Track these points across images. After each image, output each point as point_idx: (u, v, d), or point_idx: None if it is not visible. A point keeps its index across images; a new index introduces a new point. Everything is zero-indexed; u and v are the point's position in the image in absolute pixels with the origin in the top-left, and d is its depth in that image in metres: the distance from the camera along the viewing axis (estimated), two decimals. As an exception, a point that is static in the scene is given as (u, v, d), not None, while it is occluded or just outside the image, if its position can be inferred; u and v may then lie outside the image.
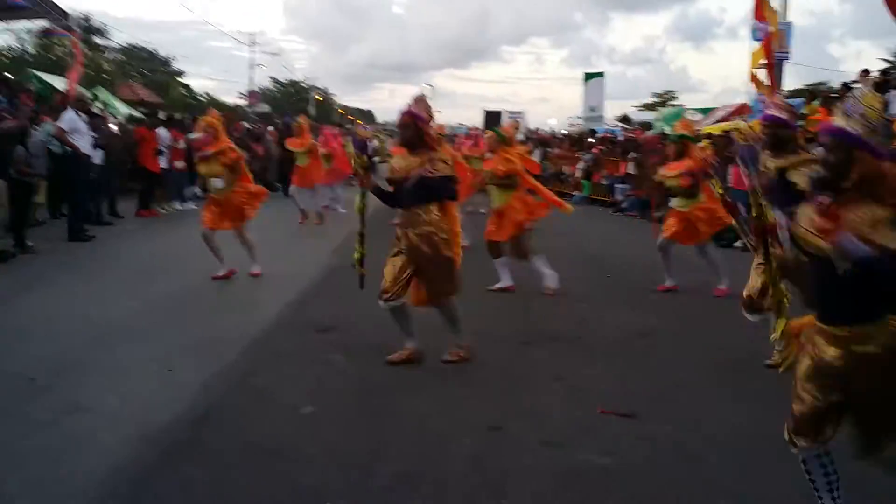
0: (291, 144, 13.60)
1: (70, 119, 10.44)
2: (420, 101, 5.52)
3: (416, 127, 5.40)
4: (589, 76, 26.69)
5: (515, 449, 4.07)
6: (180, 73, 54.50)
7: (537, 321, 6.84)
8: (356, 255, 5.64)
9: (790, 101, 17.57)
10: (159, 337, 5.93)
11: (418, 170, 5.28)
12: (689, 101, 55.64)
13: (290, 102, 59.99)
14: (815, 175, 2.87)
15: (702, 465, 3.95)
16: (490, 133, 8.18)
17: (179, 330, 6.17)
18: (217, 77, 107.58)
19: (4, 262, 8.54)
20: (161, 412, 4.39)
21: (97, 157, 11.68)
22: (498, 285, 8.10)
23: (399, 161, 5.53)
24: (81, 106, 11.17)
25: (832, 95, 13.81)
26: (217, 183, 8.00)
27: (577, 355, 5.86)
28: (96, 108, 17.92)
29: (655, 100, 53.84)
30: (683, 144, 7.76)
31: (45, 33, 21.50)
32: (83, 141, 10.56)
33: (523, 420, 4.47)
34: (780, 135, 5.01)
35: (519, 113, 48.29)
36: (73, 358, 5.33)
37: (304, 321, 6.48)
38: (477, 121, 37.43)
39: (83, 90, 19.07)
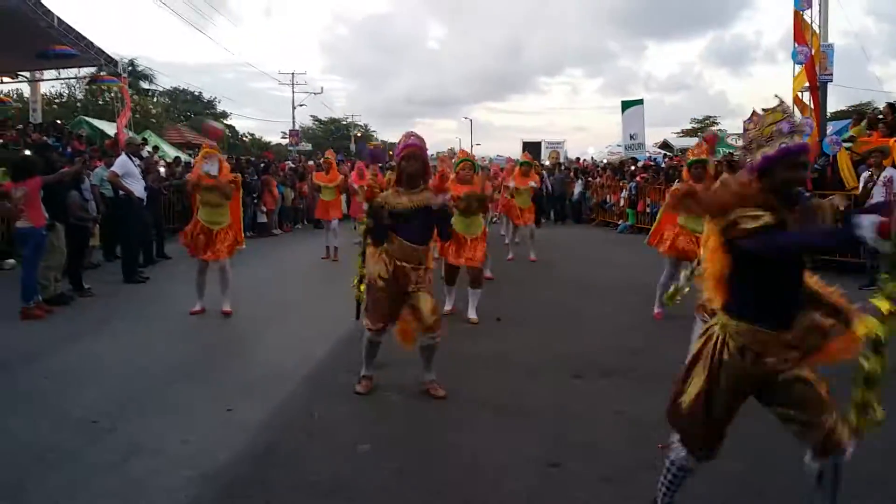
0: (319, 179, 13.79)
1: (123, 163, 10.70)
2: (417, 135, 5.52)
3: (423, 160, 5.48)
4: (627, 104, 26.53)
5: (575, 485, 4.03)
6: (225, 115, 55.74)
7: (588, 353, 6.78)
8: (356, 278, 5.73)
9: (836, 122, 17.40)
10: (217, 377, 6.03)
11: (438, 201, 5.36)
12: (728, 126, 54.99)
13: (332, 140, 60.84)
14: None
15: (766, 498, 3.87)
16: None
17: (236, 369, 6.27)
18: (259, 117, 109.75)
19: (64, 304, 8.74)
20: (221, 451, 4.45)
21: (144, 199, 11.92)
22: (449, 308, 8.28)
23: (399, 197, 5.37)
24: (134, 150, 11.44)
25: (879, 116, 13.59)
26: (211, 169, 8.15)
27: (634, 388, 5.80)
28: (146, 151, 18.40)
29: (696, 125, 53.60)
30: (702, 168, 7.64)
31: (93, 80, 22.10)
32: (136, 185, 10.81)
33: (581, 455, 4.43)
34: None
35: (559, 143, 48.40)
36: (134, 400, 5.42)
37: (356, 359, 6.47)
38: (516, 152, 37.45)
39: (133, 134, 19.67)
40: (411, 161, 5.39)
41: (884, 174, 10.29)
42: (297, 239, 18.05)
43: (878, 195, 10.28)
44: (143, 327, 7.86)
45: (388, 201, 5.35)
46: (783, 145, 2.93)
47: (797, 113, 13.79)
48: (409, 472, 4.21)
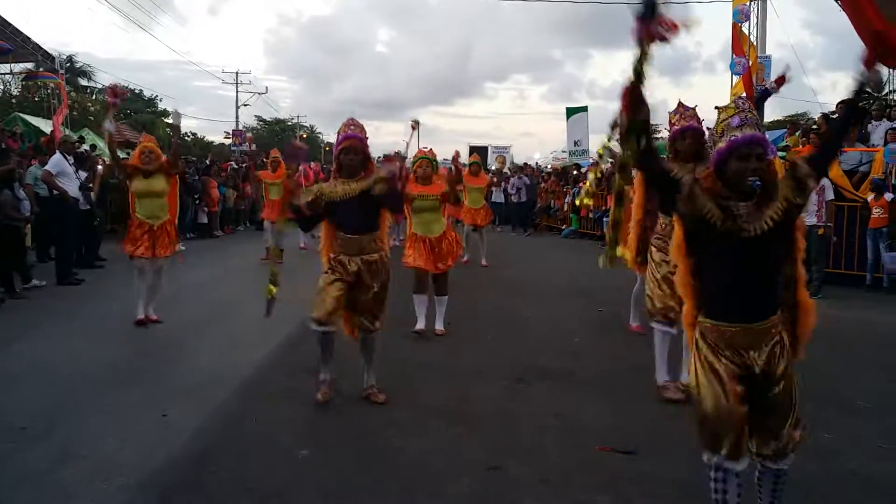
0: (265, 176, 13.59)
1: (57, 162, 10.43)
2: (357, 123, 5.45)
3: (363, 152, 5.40)
4: (572, 111, 26.77)
5: (515, 488, 4.04)
6: (167, 114, 54.71)
7: (531, 357, 6.81)
8: (271, 276, 5.59)
9: (772, 132, 17.84)
10: (152, 381, 5.89)
11: (384, 173, 5.27)
12: (671, 133, 55.85)
13: (277, 140, 60.21)
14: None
15: (702, 502, 3.93)
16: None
17: (173, 373, 6.14)
18: (202, 116, 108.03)
19: (-7, 307, 8.48)
20: (157, 457, 4.35)
21: (83, 200, 11.62)
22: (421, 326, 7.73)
23: (334, 186, 5.33)
24: (68, 148, 11.15)
25: (813, 127, 14.00)
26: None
27: (573, 391, 5.85)
28: (83, 149, 17.94)
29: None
30: None
31: (29, 76, 21.50)
32: (71, 184, 10.54)
33: (522, 459, 4.44)
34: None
35: (505, 147, 48.61)
36: (66, 404, 5.27)
37: (295, 362, 6.43)
38: (463, 156, 37.52)
39: (69, 132, 19.16)
40: (350, 154, 5.33)
41: (817, 183, 10.61)
42: (239, 240, 17.82)
43: (810, 202, 10.53)
44: (77, 330, 7.66)
45: (323, 191, 5.31)
46: (732, 138, 3.00)
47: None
48: (349, 477, 4.17)
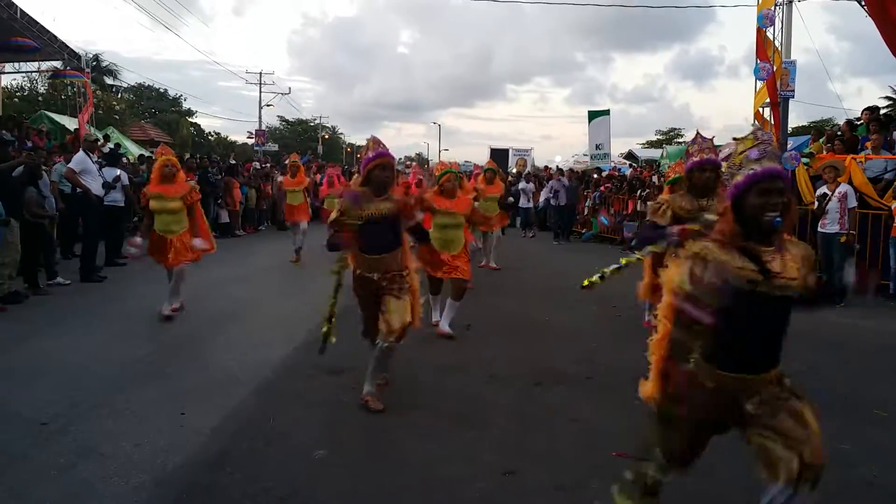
0: (288, 185, 13.56)
1: (80, 160, 10.54)
2: (383, 143, 5.45)
3: (393, 169, 5.48)
4: (594, 114, 26.71)
5: (529, 493, 4.05)
6: (191, 113, 55.18)
7: (548, 361, 6.80)
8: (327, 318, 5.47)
9: (796, 138, 17.70)
10: (172, 379, 5.95)
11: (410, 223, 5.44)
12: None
13: (299, 141, 60.52)
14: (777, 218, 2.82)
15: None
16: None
17: (192, 372, 6.19)
18: (226, 116, 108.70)
19: (18, 303, 8.58)
20: (174, 456, 4.39)
21: (119, 198, 11.79)
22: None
23: (360, 205, 5.26)
24: (92, 146, 11.26)
25: (837, 134, 13.86)
26: None
27: (590, 396, 5.84)
28: (108, 147, 18.13)
29: (660, 137, 54.25)
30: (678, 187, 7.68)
31: (55, 74, 21.73)
32: (94, 182, 10.64)
33: (537, 463, 4.44)
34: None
35: (526, 150, 48.57)
36: (86, 401, 5.33)
37: (315, 363, 6.42)
38: (483, 158, 37.57)
39: (94, 130, 19.37)
40: (386, 170, 5.35)
41: (838, 189, 10.50)
42: (260, 240, 17.92)
43: (832, 210, 10.47)
44: (98, 327, 7.74)
45: (350, 214, 5.25)
46: (751, 171, 2.84)
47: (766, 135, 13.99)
48: (365, 479, 4.19)
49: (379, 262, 5.32)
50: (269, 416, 5.15)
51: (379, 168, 5.31)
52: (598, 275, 4.04)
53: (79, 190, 10.55)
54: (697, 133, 5.73)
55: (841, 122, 17.72)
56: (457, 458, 4.51)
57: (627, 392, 5.77)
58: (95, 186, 10.68)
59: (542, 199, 21.03)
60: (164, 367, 6.29)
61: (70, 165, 10.62)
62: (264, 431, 4.87)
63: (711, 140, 5.67)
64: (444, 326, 7.75)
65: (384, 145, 5.45)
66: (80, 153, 10.71)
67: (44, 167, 10.97)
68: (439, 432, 4.93)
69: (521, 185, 21.80)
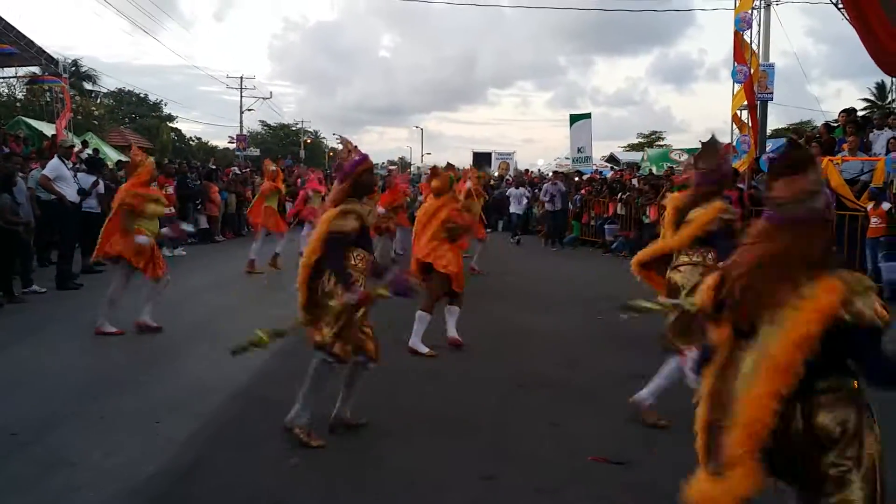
0: (265, 190, 13.23)
1: (55, 167, 10.43)
2: (349, 141, 5.26)
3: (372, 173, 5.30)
4: (575, 117, 26.81)
5: (509, 497, 4.03)
6: (171, 118, 54.87)
7: (530, 365, 6.78)
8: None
9: (775, 140, 17.81)
10: (147, 388, 5.86)
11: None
12: (674, 141, 56.16)
13: (281, 146, 60.29)
14: None
15: None
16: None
17: (167, 380, 6.11)
18: (207, 121, 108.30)
19: (-9, 311, 8.47)
20: (146, 465, 4.32)
21: (95, 205, 11.67)
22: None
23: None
24: (66, 152, 11.14)
25: (815, 136, 13.96)
26: None
27: (570, 400, 5.82)
28: (86, 153, 17.98)
29: (642, 140, 54.52)
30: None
31: (33, 80, 21.54)
32: (68, 188, 10.53)
33: (517, 468, 4.42)
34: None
35: (509, 154, 48.71)
36: (59, 411, 5.23)
37: (292, 370, 6.34)
38: (466, 162, 37.61)
39: (72, 136, 19.20)
40: (372, 173, 5.26)
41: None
42: (240, 246, 17.75)
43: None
44: (74, 335, 7.63)
45: (363, 215, 4.94)
46: None
47: (735, 130, 14.12)
48: (340, 487, 4.14)
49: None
50: (244, 425, 5.09)
51: (367, 172, 5.12)
52: (643, 305, 3.73)
53: (53, 197, 10.42)
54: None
55: (819, 124, 17.86)
56: (435, 464, 4.47)
57: (607, 397, 5.81)
58: (70, 193, 10.55)
59: (546, 204, 20.04)
60: (139, 375, 6.20)
61: (44, 172, 10.51)
62: (239, 440, 4.81)
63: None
64: (452, 333, 7.49)
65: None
66: (55, 159, 10.59)
67: (20, 174, 10.84)
68: (418, 438, 4.89)
69: (511, 190, 21.70)
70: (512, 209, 21.01)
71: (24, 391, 5.70)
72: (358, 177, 4.99)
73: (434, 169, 8.86)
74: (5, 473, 4.19)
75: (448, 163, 8.81)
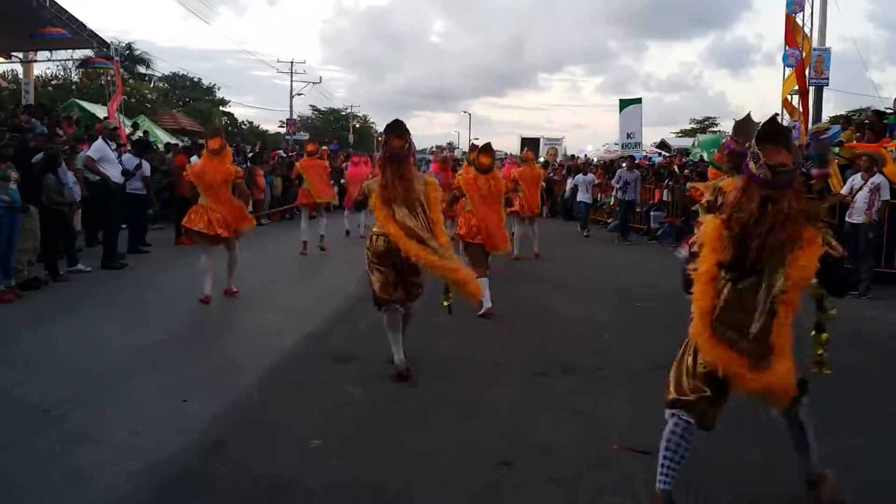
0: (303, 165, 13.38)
1: (99, 148, 10.63)
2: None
3: None
4: (625, 102, 26.34)
5: (521, 486, 3.98)
6: (224, 102, 55.54)
7: (558, 351, 6.71)
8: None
9: (832, 126, 17.30)
10: (178, 367, 5.96)
11: None
12: (728, 127, 54.83)
13: (331, 130, 60.70)
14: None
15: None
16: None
17: (199, 359, 6.20)
18: (259, 105, 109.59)
19: (36, 289, 8.67)
20: (170, 444, 4.38)
21: (140, 186, 12.06)
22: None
23: None
24: (110, 134, 11.33)
25: (866, 122, 13.53)
26: None
27: (598, 388, 5.74)
28: (137, 135, 18.29)
29: (695, 126, 53.46)
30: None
31: (85, 63, 21.95)
32: (113, 169, 10.73)
33: (534, 456, 4.37)
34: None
35: (557, 140, 48.30)
36: (91, 388, 5.36)
37: (323, 351, 6.46)
38: (514, 147, 37.45)
39: (123, 118, 19.54)
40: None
41: (872, 180, 10.19)
42: (284, 228, 17.94)
43: (860, 200, 10.19)
44: (113, 314, 7.79)
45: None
46: None
47: (786, 116, 13.74)
48: (357, 469, 4.14)
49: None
50: (270, 405, 5.14)
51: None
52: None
53: (98, 178, 10.63)
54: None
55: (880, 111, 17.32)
56: (454, 449, 4.46)
57: (636, 385, 5.71)
58: (115, 174, 10.77)
59: (618, 192, 18.69)
60: (171, 354, 6.31)
61: (88, 153, 10.72)
62: (263, 420, 4.86)
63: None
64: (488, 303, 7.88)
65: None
66: (99, 141, 10.81)
67: (63, 154, 11.05)
68: (439, 423, 4.88)
69: (579, 177, 20.16)
70: (580, 197, 19.19)
71: (59, 368, 5.84)
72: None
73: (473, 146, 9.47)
74: (32, 448, 4.29)
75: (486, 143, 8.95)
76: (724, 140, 6.22)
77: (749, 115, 5.78)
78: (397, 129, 5.68)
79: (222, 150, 8.39)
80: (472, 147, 8.78)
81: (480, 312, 7.78)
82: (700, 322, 3.45)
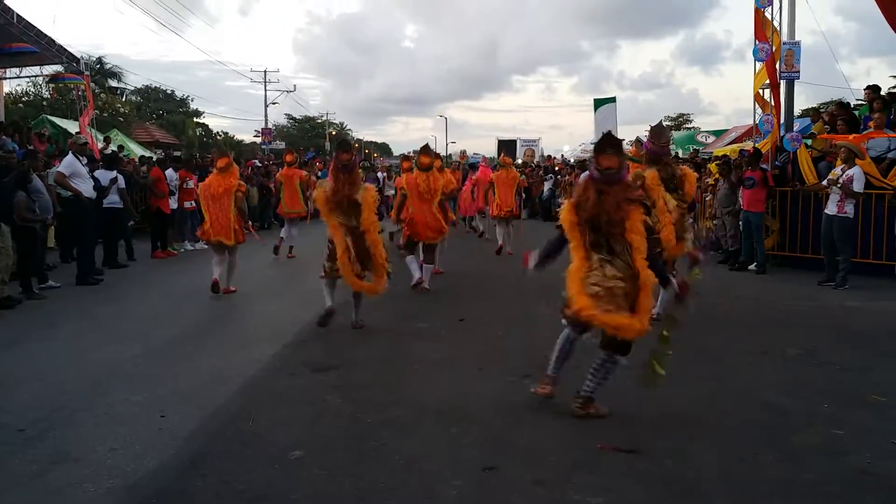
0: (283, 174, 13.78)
1: (69, 163, 10.52)
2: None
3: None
4: (600, 102, 26.57)
5: (507, 489, 3.94)
6: (198, 113, 55.27)
7: (541, 354, 6.66)
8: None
9: (803, 119, 17.42)
10: (156, 382, 5.86)
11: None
12: (702, 123, 55.33)
13: (307, 138, 60.52)
14: None
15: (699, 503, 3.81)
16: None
17: (177, 373, 6.09)
18: (233, 116, 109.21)
19: (11, 308, 8.54)
20: (149, 460, 4.31)
21: (117, 200, 12.00)
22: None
23: None
24: (81, 149, 11.20)
25: (834, 114, 13.66)
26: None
27: (579, 388, 5.69)
28: (110, 149, 18.10)
29: (670, 123, 53.80)
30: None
31: (54, 78, 21.71)
32: (84, 184, 10.61)
33: (519, 458, 4.34)
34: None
35: (534, 141, 48.48)
36: (68, 406, 5.26)
37: (302, 361, 6.40)
38: (491, 150, 37.52)
39: (95, 132, 19.33)
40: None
41: (847, 171, 10.28)
42: (262, 237, 17.81)
43: (835, 191, 10.27)
44: (89, 330, 7.69)
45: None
46: None
47: (758, 110, 13.81)
48: (340, 478, 4.09)
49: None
50: (249, 417, 5.06)
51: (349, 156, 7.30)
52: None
53: (69, 193, 10.51)
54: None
55: (850, 102, 17.49)
56: (438, 454, 4.41)
57: (619, 386, 5.68)
58: (86, 189, 10.65)
59: (545, 189, 20.01)
60: (149, 369, 6.22)
61: (59, 169, 10.61)
62: (243, 433, 4.78)
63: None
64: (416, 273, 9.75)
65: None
66: (70, 156, 10.69)
67: (42, 171, 10.91)
68: (422, 428, 4.84)
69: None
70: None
71: (34, 387, 5.73)
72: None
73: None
74: (8, 469, 4.20)
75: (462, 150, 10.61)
76: (644, 141, 8.35)
77: (661, 122, 8.45)
78: (346, 145, 7.64)
79: (229, 167, 9.68)
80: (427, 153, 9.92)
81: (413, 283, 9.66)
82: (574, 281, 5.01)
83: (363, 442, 4.61)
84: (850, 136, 11.75)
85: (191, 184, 14.69)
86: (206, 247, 15.08)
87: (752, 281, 11.22)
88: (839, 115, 13.19)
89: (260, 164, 23.24)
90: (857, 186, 10.16)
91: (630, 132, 63.21)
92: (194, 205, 14.35)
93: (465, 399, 5.42)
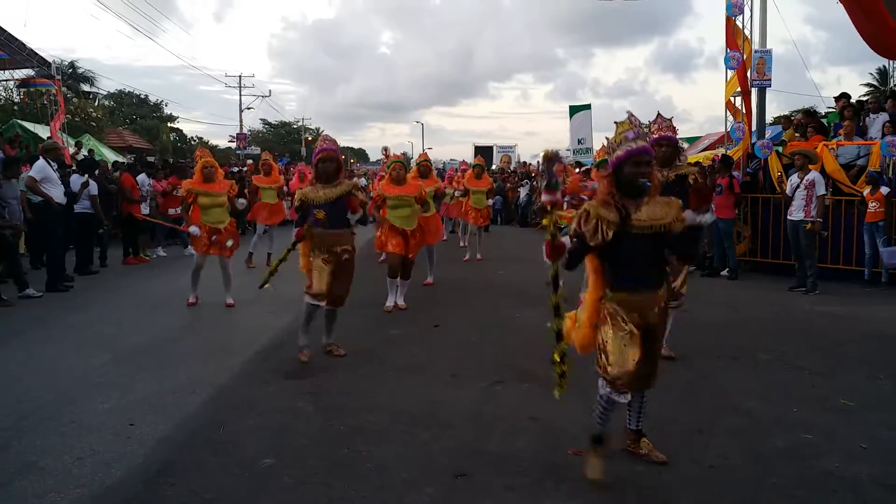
0: (259, 181, 13.30)
1: (41, 168, 10.39)
2: (331, 139, 6.53)
3: (338, 161, 6.48)
4: (575, 109, 26.67)
5: (478, 496, 3.93)
6: (172, 118, 54.83)
7: (513, 359, 6.69)
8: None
9: (774, 127, 17.64)
10: (125, 389, 5.79)
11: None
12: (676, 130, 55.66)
13: (283, 144, 60.20)
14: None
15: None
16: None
17: (146, 381, 6.02)
18: (208, 121, 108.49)
19: (-23, 315, 8.42)
20: (116, 469, 4.26)
21: (88, 206, 11.88)
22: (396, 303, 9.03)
23: (317, 192, 6.37)
24: (53, 154, 11.06)
25: (802, 122, 13.85)
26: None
27: (552, 394, 5.70)
28: (82, 154, 17.93)
29: (645, 130, 54.16)
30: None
31: (25, 83, 21.46)
32: (55, 189, 10.48)
33: (491, 464, 4.33)
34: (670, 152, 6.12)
35: (510, 147, 48.64)
36: (34, 415, 5.18)
37: (274, 368, 6.35)
38: (468, 155, 37.58)
39: (66, 137, 19.12)
40: (327, 163, 6.39)
41: (807, 177, 10.40)
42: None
43: (799, 197, 10.39)
44: (58, 338, 7.59)
45: (308, 196, 6.38)
46: (628, 147, 3.83)
47: (729, 117, 13.94)
48: (311, 486, 4.06)
49: (333, 236, 6.41)
50: (220, 425, 5.01)
51: (322, 161, 6.37)
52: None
53: (39, 199, 10.38)
54: (658, 114, 6.44)
55: (822, 110, 17.73)
56: (410, 461, 4.39)
57: (591, 391, 5.68)
58: (57, 194, 10.52)
59: (521, 195, 20.32)
60: (117, 376, 6.14)
61: (30, 174, 10.47)
62: (212, 441, 4.73)
63: (671, 120, 6.18)
64: (401, 301, 9.05)
65: (333, 140, 6.50)
66: (40, 161, 10.55)
67: (13, 178, 10.76)
68: (394, 436, 4.81)
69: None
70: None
71: (0, 395, 5.64)
72: (316, 165, 6.45)
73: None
74: (-29, 480, 4.13)
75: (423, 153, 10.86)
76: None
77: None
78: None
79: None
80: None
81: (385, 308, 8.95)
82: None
83: (335, 449, 4.58)
84: (819, 144, 11.89)
85: (180, 191, 14.52)
86: (164, 254, 15.05)
87: (723, 287, 11.31)
88: (808, 123, 13.37)
89: (236, 170, 23.05)
90: (820, 189, 10.29)
91: (604, 140, 63.58)
92: (179, 212, 14.17)
93: (437, 405, 5.40)
